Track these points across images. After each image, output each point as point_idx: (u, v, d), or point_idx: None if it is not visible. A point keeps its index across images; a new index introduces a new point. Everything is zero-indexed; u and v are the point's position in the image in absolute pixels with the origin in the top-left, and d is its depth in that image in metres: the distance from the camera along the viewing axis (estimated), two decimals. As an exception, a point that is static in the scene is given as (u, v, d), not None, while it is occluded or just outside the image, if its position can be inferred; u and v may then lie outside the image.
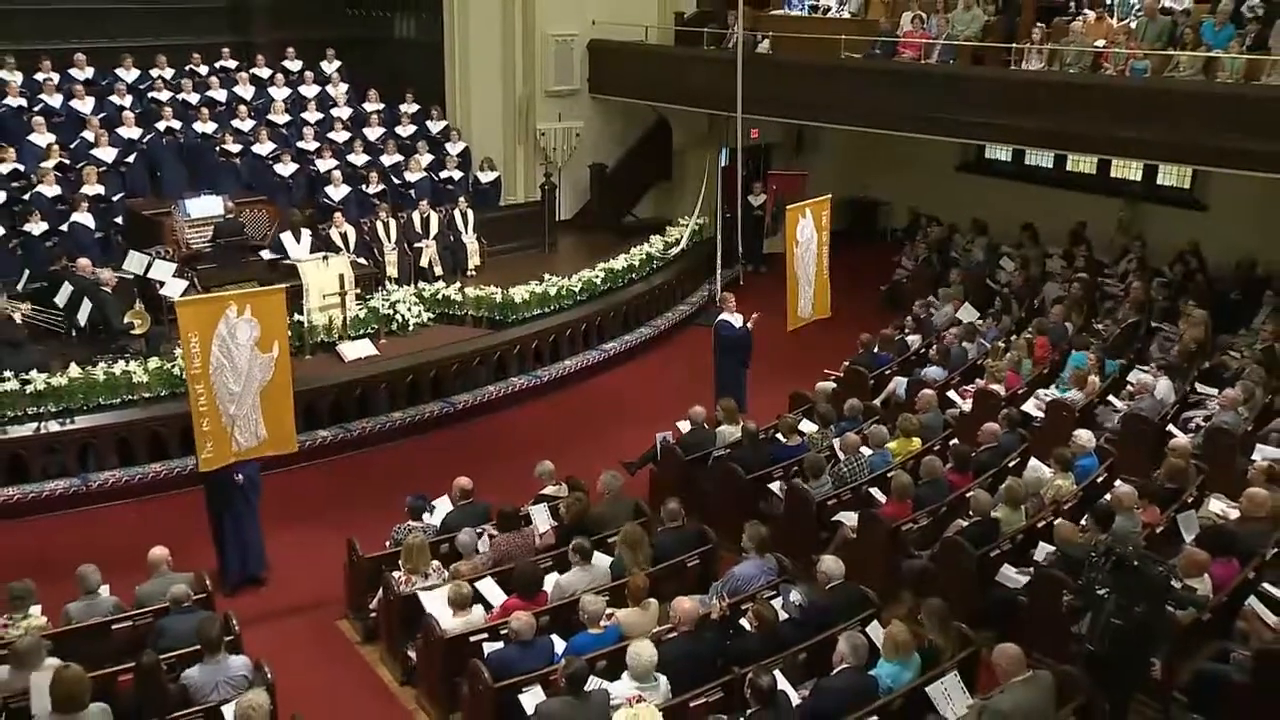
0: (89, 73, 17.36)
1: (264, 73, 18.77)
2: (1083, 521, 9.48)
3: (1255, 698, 7.77)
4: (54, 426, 12.01)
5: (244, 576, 10.36)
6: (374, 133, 18.24)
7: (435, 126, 18.77)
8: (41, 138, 15.90)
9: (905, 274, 18.41)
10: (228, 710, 7.21)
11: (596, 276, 16.35)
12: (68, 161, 15.79)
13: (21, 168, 15.41)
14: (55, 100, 16.76)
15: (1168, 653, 8.12)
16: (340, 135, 17.95)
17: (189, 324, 9.27)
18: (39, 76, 16.89)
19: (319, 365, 13.74)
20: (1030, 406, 12.66)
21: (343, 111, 18.51)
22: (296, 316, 13.72)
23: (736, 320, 13.27)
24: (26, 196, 14.99)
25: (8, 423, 11.90)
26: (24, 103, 16.56)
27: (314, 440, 12.86)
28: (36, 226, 14.54)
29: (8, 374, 12.03)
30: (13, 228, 14.59)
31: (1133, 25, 14.85)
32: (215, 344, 9.25)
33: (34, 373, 12.12)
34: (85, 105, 16.84)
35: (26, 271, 13.88)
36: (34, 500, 11.71)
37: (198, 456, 9.64)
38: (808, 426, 12.02)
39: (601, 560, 9.20)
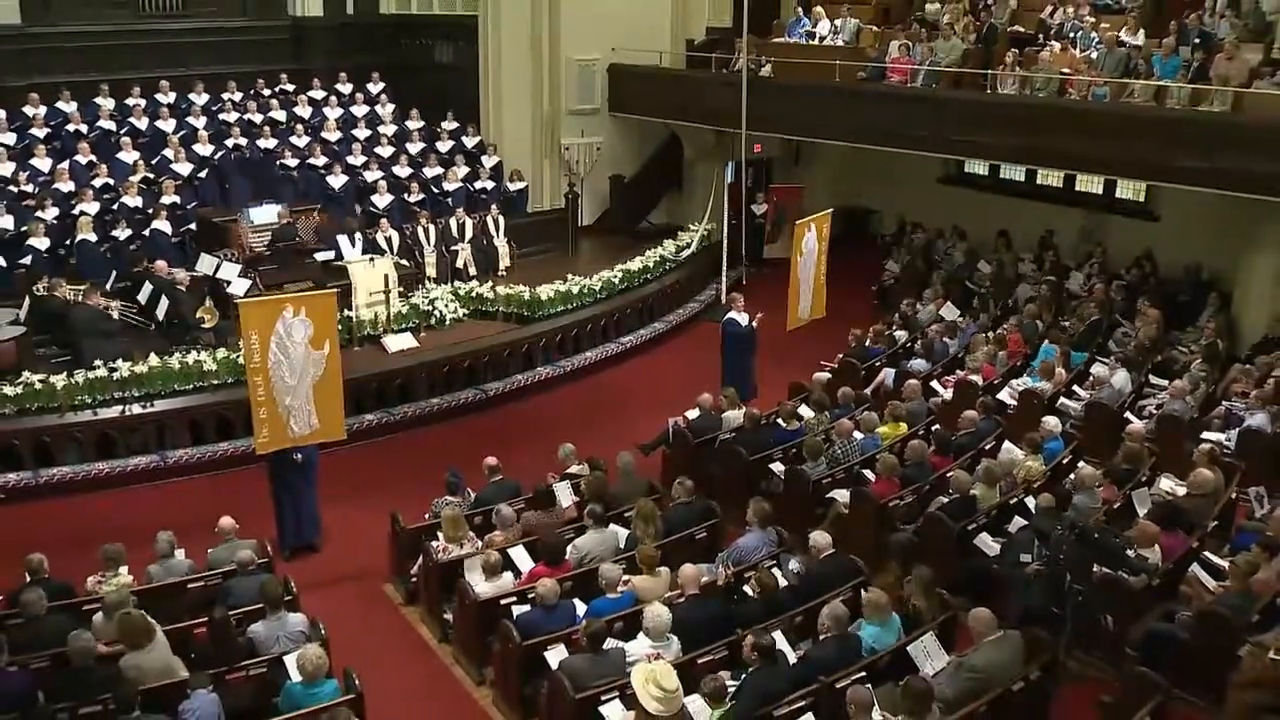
0: (171, 98, 17.47)
1: (319, 95, 18.83)
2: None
3: (1196, 653, 7.86)
4: (136, 409, 12.14)
5: (299, 543, 10.45)
6: (416, 147, 18.24)
7: (470, 142, 18.78)
8: (129, 155, 16.04)
9: (892, 276, 18.34)
10: (289, 661, 7.31)
11: (615, 276, 16.33)
12: (151, 176, 15.89)
13: (111, 181, 15.51)
14: (142, 123, 16.91)
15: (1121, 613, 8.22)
16: (386, 150, 17.96)
17: (250, 323, 9.27)
18: (129, 101, 17.06)
19: (365, 356, 13.77)
20: (1004, 395, 12.63)
21: (388, 129, 18.54)
22: (346, 312, 13.80)
23: (743, 318, 13.23)
24: (115, 206, 15.10)
25: (98, 405, 12.04)
26: (114, 125, 16.71)
27: (361, 423, 12.91)
28: (122, 233, 14.67)
29: (98, 362, 12.17)
30: (103, 234, 14.70)
31: (1094, 56, 14.87)
32: (273, 341, 9.25)
33: (120, 361, 12.24)
34: (167, 126, 16.97)
35: (114, 272, 13.97)
36: (119, 473, 11.87)
37: (255, 440, 9.71)
38: (805, 413, 12.00)
39: (615, 526, 9.26)
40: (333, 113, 18.42)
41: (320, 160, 17.14)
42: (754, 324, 13.23)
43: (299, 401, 9.52)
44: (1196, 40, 14.14)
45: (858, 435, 11.08)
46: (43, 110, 16.33)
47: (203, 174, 16.49)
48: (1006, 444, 10.87)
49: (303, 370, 9.47)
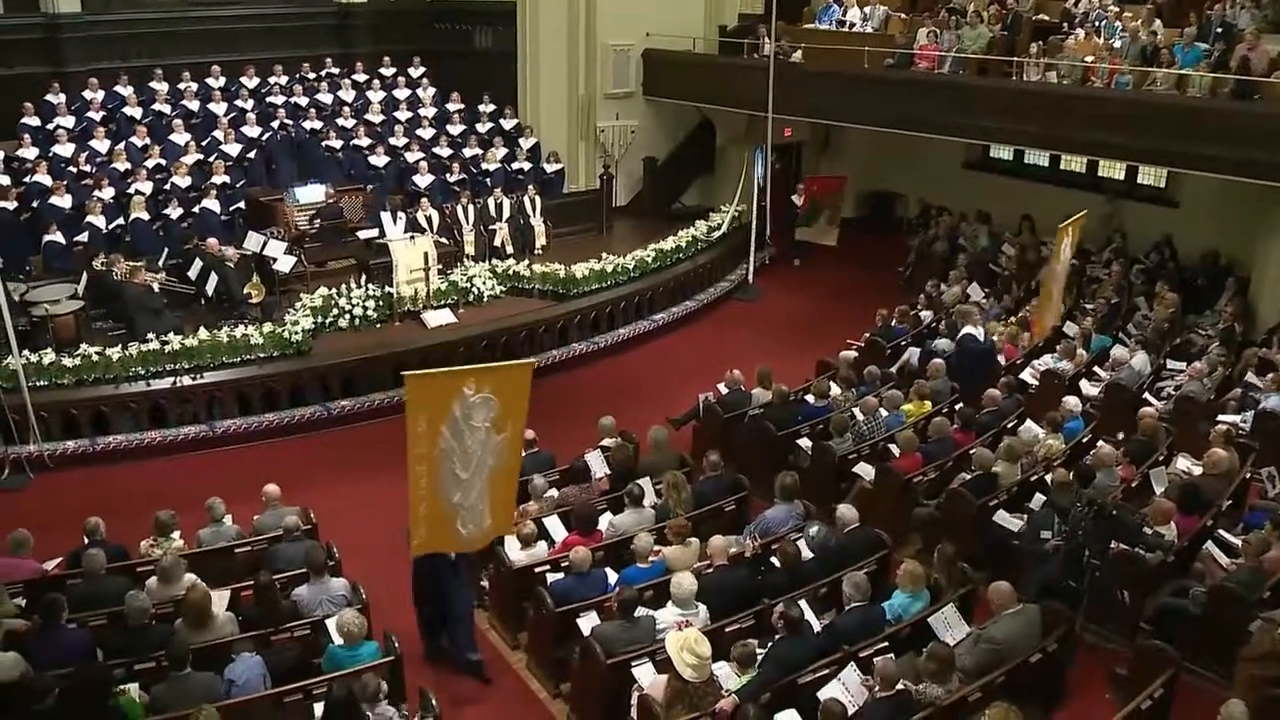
0: (221, 81, 17.50)
1: (362, 78, 18.79)
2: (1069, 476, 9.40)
3: (1208, 627, 7.83)
4: (186, 381, 12.22)
5: (452, 657, 8.33)
6: (456, 129, 18.21)
7: (508, 124, 18.69)
8: (180, 137, 16.12)
9: (918, 257, 18.15)
10: (331, 624, 7.36)
11: (648, 256, 16.22)
12: (202, 156, 15.98)
13: (164, 162, 15.61)
14: (194, 105, 16.98)
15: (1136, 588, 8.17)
16: (427, 132, 17.95)
17: (418, 403, 7.22)
18: (181, 85, 17.12)
19: (406, 331, 13.81)
20: (1026, 375, 12.51)
21: (429, 111, 18.51)
22: (387, 288, 13.94)
23: (979, 332, 12.37)
24: (168, 186, 15.19)
25: (150, 377, 12.14)
26: (167, 108, 16.79)
27: (401, 397, 12.86)
28: (174, 211, 14.77)
29: (150, 336, 12.27)
30: (156, 213, 14.80)
31: (1116, 44, 14.62)
32: (446, 426, 7.25)
33: (171, 335, 12.33)
34: (218, 109, 17.03)
35: (166, 249, 14.07)
36: (170, 442, 11.97)
37: (409, 541, 7.74)
38: (832, 390, 11.92)
39: (650, 504, 9.19)
40: (376, 95, 18.39)
41: (364, 141, 17.19)
42: (995, 339, 12.36)
43: (472, 499, 7.56)
44: (1218, 30, 13.88)
45: (883, 412, 10.99)
46: (100, 94, 16.43)
47: (251, 155, 16.56)
48: (1028, 422, 10.78)
49: (480, 461, 7.46)
